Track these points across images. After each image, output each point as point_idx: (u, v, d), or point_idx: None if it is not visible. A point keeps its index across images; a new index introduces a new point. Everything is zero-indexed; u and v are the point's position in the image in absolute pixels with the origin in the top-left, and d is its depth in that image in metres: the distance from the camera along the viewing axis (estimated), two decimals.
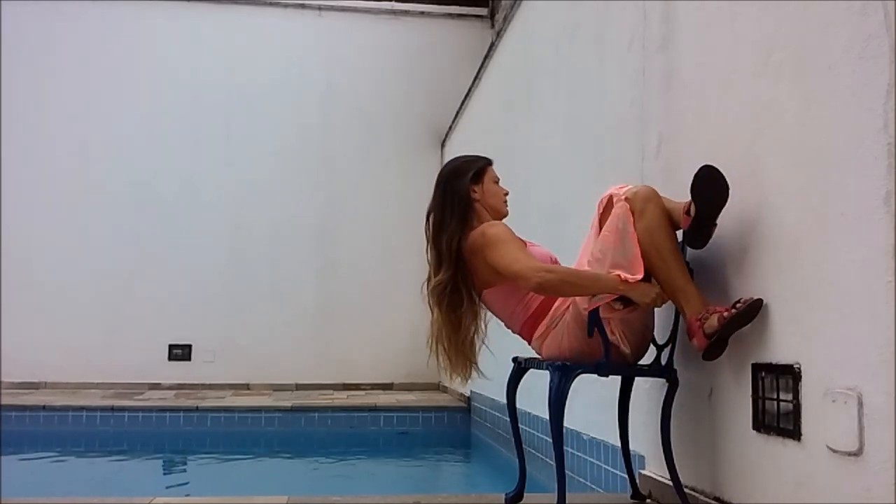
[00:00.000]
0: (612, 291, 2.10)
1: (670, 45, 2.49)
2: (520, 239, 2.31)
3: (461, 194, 2.35)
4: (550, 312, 2.25)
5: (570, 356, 2.20)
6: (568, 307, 2.22)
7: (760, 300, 1.90)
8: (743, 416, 1.98)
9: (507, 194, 2.47)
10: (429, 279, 2.35)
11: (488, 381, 2.52)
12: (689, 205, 2.09)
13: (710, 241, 2.15)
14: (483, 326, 2.38)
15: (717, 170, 2.00)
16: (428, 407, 6.34)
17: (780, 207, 1.84)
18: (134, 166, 7.98)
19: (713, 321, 1.98)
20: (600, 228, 2.25)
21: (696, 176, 2.03)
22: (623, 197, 2.17)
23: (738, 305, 1.93)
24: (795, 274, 1.77)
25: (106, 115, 8.04)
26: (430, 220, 2.37)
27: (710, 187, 2.00)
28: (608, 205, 2.24)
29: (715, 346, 2.02)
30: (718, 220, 2.06)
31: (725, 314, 1.95)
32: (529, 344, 2.35)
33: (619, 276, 2.09)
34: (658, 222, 2.13)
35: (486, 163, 2.46)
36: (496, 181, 2.46)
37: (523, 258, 2.19)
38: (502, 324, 2.42)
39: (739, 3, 2.07)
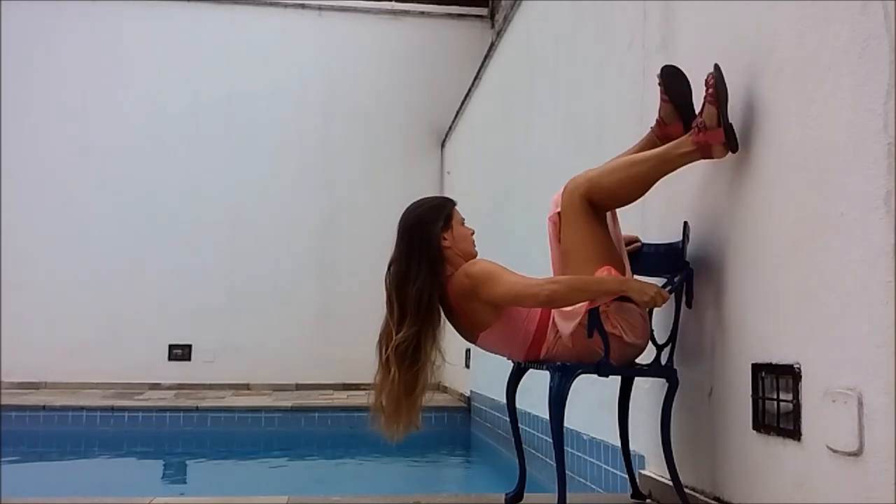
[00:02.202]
0: (615, 293, 2.10)
1: (670, 45, 2.49)
2: None
3: (431, 244, 2.20)
4: (550, 326, 2.20)
5: (588, 357, 2.19)
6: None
7: (715, 64, 2.01)
8: (743, 416, 1.98)
9: (473, 233, 2.33)
10: (387, 335, 2.18)
11: (488, 382, 2.52)
12: (660, 115, 2.24)
13: (709, 242, 2.16)
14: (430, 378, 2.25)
15: (675, 67, 2.20)
16: (428, 407, 6.23)
17: (780, 207, 1.84)
18: (134, 166, 7.98)
19: (710, 111, 2.01)
20: (559, 242, 2.27)
21: (662, 75, 2.21)
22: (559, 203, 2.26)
23: (709, 81, 2.01)
24: (795, 274, 1.77)
25: (106, 116, 8.04)
26: (392, 270, 2.23)
27: (677, 80, 2.19)
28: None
29: (730, 131, 2.01)
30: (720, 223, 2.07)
31: (710, 91, 2.00)
32: (537, 361, 2.27)
33: (618, 276, 2.10)
34: (593, 173, 2.24)
35: (452, 206, 2.31)
36: (462, 222, 2.31)
37: (520, 279, 2.14)
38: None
39: (739, 3, 2.07)
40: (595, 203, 2.22)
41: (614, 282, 2.10)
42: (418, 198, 2.34)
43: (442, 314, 2.23)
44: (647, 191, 2.23)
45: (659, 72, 2.24)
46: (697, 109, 2.09)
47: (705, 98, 2.02)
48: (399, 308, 2.18)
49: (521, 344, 2.24)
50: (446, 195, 2.79)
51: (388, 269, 2.25)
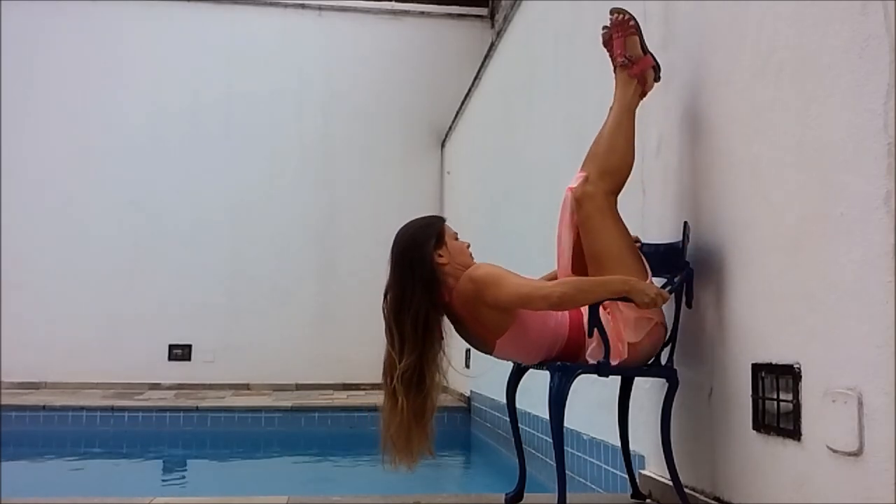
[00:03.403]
0: (619, 293, 2.10)
1: (670, 45, 2.49)
2: None
3: (424, 264, 2.14)
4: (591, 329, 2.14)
5: (645, 355, 2.20)
6: (609, 312, 2.17)
7: (612, 8, 2.32)
8: (743, 416, 1.98)
9: (469, 246, 2.27)
10: (390, 365, 2.14)
11: (488, 382, 2.52)
12: (628, 54, 2.35)
13: (710, 242, 2.17)
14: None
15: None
16: None
17: (780, 207, 1.84)
18: (134, 166, 7.98)
19: (632, 42, 2.31)
20: (574, 228, 2.29)
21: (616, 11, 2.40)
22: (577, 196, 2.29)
23: (624, 19, 2.31)
24: (795, 274, 1.77)
25: (106, 115, 8.04)
26: (388, 298, 2.18)
27: None
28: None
29: (653, 55, 2.34)
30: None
31: (631, 24, 2.30)
32: (575, 361, 2.20)
33: (621, 277, 2.11)
34: (598, 166, 2.28)
35: (441, 223, 2.26)
36: (456, 237, 2.26)
37: (526, 282, 2.11)
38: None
39: (739, 3, 2.07)
40: (618, 189, 2.27)
41: (618, 282, 2.10)
42: (408, 220, 2.27)
43: (444, 336, 2.17)
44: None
45: (613, 13, 2.37)
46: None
47: (624, 34, 2.30)
48: (399, 335, 2.13)
49: (548, 348, 2.19)
50: (446, 195, 2.79)
51: (385, 297, 2.19)
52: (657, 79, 2.37)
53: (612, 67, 2.43)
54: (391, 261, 2.20)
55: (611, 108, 2.40)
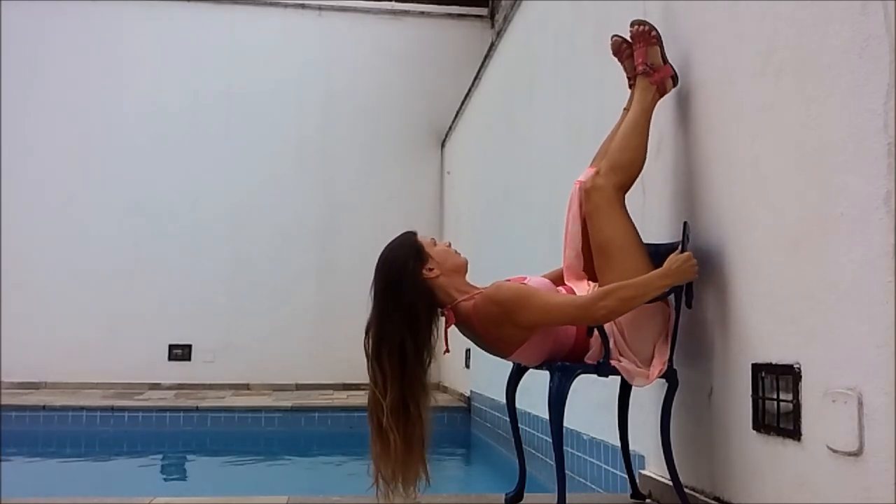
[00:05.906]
0: (662, 288, 2.10)
1: (670, 45, 2.49)
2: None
3: (416, 286, 2.07)
4: (594, 336, 2.14)
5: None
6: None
7: (634, 20, 2.37)
8: (743, 416, 1.98)
9: (450, 245, 2.22)
10: (376, 403, 2.04)
11: (488, 382, 2.51)
12: (649, 62, 2.36)
13: (710, 242, 2.17)
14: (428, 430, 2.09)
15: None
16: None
17: (780, 207, 1.84)
18: (134, 165, 7.99)
19: (653, 52, 2.34)
20: (581, 219, 2.32)
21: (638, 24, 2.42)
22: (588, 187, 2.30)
23: (645, 29, 2.34)
24: (795, 274, 1.77)
25: (106, 115, 8.05)
26: (370, 335, 2.07)
27: None
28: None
29: (673, 68, 2.38)
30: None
31: (652, 34, 2.34)
32: (583, 360, 2.20)
33: (654, 274, 2.10)
34: (611, 161, 2.29)
35: (414, 237, 2.17)
36: (434, 242, 2.19)
37: (564, 300, 2.12)
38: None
39: (739, 3, 2.07)
40: (627, 185, 2.29)
41: (657, 278, 2.09)
42: (388, 242, 2.18)
43: (426, 362, 2.08)
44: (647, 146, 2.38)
45: (634, 24, 2.38)
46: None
47: (646, 44, 2.34)
48: (380, 372, 2.04)
49: (563, 343, 2.19)
50: (446, 195, 2.77)
51: (366, 333, 2.08)
52: (674, 86, 2.40)
53: (621, 70, 2.46)
54: (374, 293, 2.10)
55: (625, 109, 2.43)
